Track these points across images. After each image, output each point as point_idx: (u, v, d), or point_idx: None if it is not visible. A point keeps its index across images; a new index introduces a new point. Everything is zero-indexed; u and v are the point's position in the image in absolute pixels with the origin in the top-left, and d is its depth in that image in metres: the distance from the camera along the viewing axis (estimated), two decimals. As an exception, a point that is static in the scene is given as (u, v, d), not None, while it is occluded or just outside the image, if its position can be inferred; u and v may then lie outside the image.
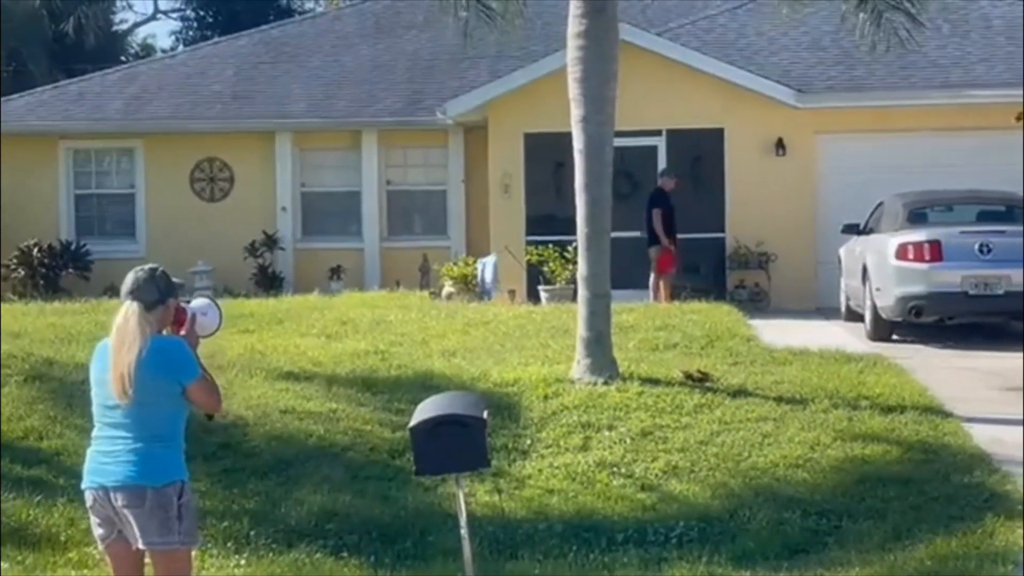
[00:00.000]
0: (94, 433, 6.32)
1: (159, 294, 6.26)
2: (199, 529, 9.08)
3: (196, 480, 10.03)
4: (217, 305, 6.57)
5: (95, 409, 6.31)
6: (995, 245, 16.65)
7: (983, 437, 11.33)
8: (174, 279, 6.39)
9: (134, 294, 6.23)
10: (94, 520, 6.30)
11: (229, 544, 9.12)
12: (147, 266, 6.38)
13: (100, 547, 6.39)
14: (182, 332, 6.34)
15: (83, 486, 6.30)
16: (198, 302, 6.51)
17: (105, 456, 6.22)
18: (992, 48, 23.75)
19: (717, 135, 22.44)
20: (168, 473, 6.17)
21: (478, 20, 15.43)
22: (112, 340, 6.19)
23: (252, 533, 9.29)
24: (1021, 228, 17.16)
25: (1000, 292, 16.47)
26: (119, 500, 6.14)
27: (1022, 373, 13.53)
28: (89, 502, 6.29)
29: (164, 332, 6.28)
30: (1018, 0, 26.08)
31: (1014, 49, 23.60)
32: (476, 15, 15.36)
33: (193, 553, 8.50)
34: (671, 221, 20.15)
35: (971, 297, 16.54)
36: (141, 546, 6.16)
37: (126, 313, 6.19)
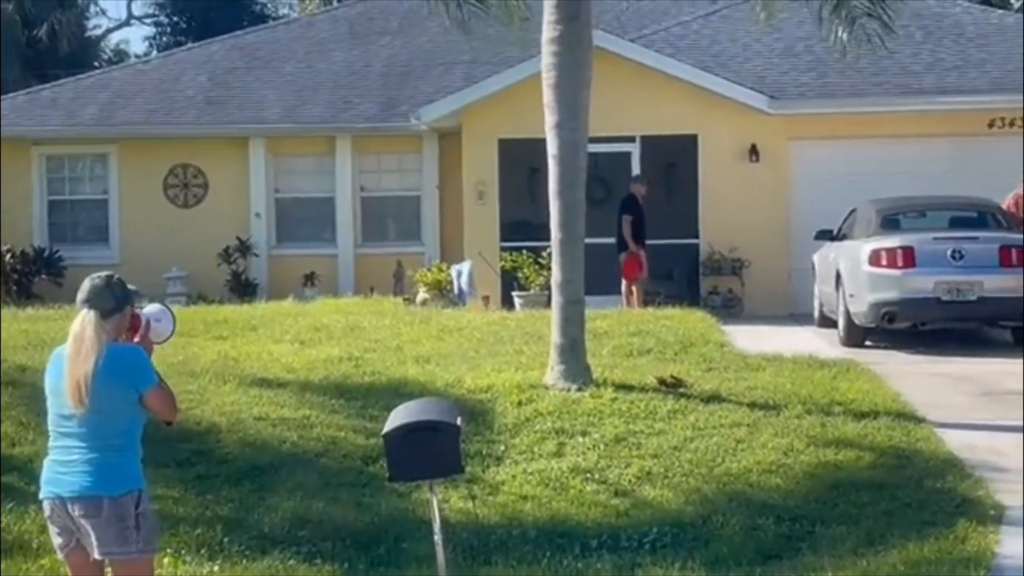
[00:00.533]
0: (50, 443, 6.30)
1: (115, 302, 6.22)
2: (170, 534, 9.10)
3: (169, 487, 10.06)
4: (170, 311, 6.54)
5: (50, 419, 6.28)
6: (967, 251, 16.71)
7: (955, 443, 11.37)
8: (130, 286, 6.36)
9: (90, 302, 6.19)
10: (53, 529, 6.29)
11: (202, 551, 9.09)
12: (103, 273, 6.34)
13: (60, 556, 6.37)
14: (136, 339, 6.31)
15: (40, 496, 6.28)
16: (151, 308, 6.48)
17: (61, 466, 6.20)
18: (964, 55, 23.88)
19: (691, 141, 22.50)
20: (125, 482, 6.15)
21: (471, 16, 15.38)
22: (68, 349, 6.16)
23: (225, 540, 9.25)
24: (993, 234, 17.27)
25: (972, 298, 16.53)
26: (76, 510, 6.13)
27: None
28: (47, 512, 6.28)
29: (120, 339, 6.25)
30: (991, 8, 26.27)
31: (986, 56, 23.76)
32: (469, 12, 15.31)
33: (165, 559, 8.50)
34: (641, 227, 20.15)
35: (944, 303, 16.59)
36: (99, 556, 6.13)
37: (83, 321, 6.16)
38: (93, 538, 6.11)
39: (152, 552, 6.33)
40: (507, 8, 15.56)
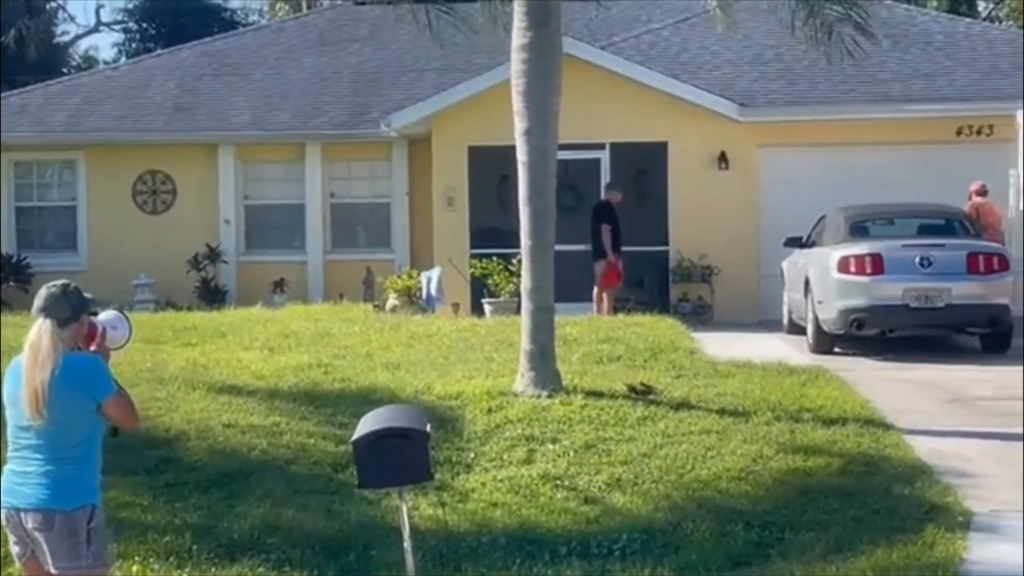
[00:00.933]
0: (8, 452, 6.27)
1: (72, 310, 6.19)
2: (138, 542, 9.05)
3: (138, 494, 10.02)
4: (126, 317, 6.51)
5: (9, 430, 6.25)
6: (935, 258, 16.80)
7: (923, 449, 11.42)
8: (86, 294, 6.32)
9: (47, 311, 6.16)
10: (11, 538, 6.30)
11: (171, 558, 9.05)
12: (59, 282, 6.31)
13: (18, 564, 6.37)
14: (93, 347, 6.28)
15: None
16: (106, 315, 6.45)
17: (18, 477, 6.18)
18: (932, 63, 24.02)
19: (661, 148, 22.54)
20: (78, 497, 6.13)
21: (441, 22, 15.39)
22: (25, 358, 6.13)
23: (194, 547, 9.21)
24: (961, 241, 17.37)
25: (940, 305, 16.61)
26: (29, 523, 6.13)
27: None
28: (3, 521, 6.29)
29: (77, 348, 6.22)
30: (958, 17, 26.40)
31: (953, 64, 23.90)
32: (438, 18, 15.33)
33: (133, 567, 8.46)
34: (617, 235, 20.19)
35: (912, 310, 16.67)
36: (53, 571, 6.12)
37: (39, 330, 6.14)
38: (46, 551, 6.12)
39: (103, 567, 6.31)
40: (491, 13, 15.53)
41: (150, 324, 17.13)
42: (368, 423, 7.42)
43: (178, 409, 11.99)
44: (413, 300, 20.85)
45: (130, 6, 47.93)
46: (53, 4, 47.44)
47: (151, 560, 8.96)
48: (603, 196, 21.13)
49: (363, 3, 30.61)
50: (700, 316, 21.39)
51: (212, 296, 23.64)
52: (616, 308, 19.91)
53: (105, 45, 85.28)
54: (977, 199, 19.47)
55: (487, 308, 20.66)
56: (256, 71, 26.99)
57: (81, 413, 6.12)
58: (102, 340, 6.30)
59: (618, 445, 11.37)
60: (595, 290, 20.20)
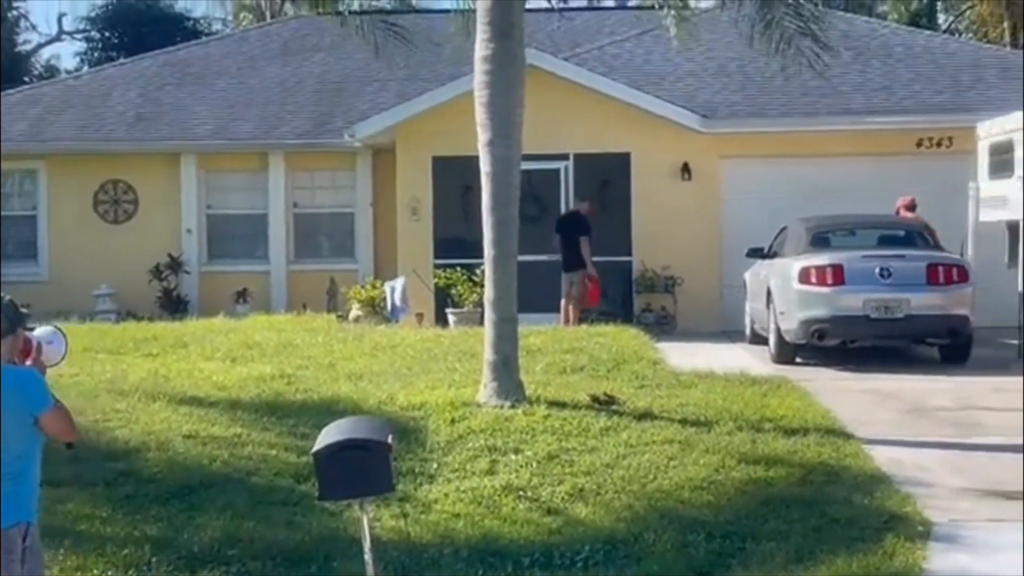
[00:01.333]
0: None
1: (8, 323, 6.15)
2: (96, 554, 9.01)
3: (97, 506, 9.96)
4: (62, 333, 6.48)
5: None
6: (895, 269, 16.90)
7: (883, 459, 11.47)
8: (22, 309, 6.28)
9: None
10: None
11: (131, 572, 9.00)
12: None
13: None
14: (28, 362, 6.24)
15: None
16: (42, 331, 6.42)
17: None
18: (892, 75, 24.18)
19: (624, 159, 22.60)
20: (13, 515, 6.05)
21: (386, 39, 15.43)
22: None
23: (154, 560, 9.16)
24: (921, 252, 17.47)
25: (900, 316, 16.70)
26: None
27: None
28: None
29: (14, 362, 6.18)
30: (919, 30, 26.56)
31: (913, 76, 24.07)
32: (384, 35, 15.37)
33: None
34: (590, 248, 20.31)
35: (872, 320, 16.75)
36: None
37: None
38: None
39: None
40: (464, 22, 15.55)
41: (111, 334, 17.07)
42: (329, 434, 7.40)
43: (138, 420, 11.93)
44: (377, 310, 20.83)
45: (92, 15, 47.73)
46: (15, 13, 47.19)
47: (110, 573, 8.91)
48: (573, 206, 21.20)
49: (320, 14, 30.54)
50: (663, 326, 21.45)
51: (174, 306, 23.56)
52: (580, 319, 19.95)
53: (67, 54, 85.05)
54: (907, 214, 19.60)
55: (451, 318, 20.67)
56: (219, 80, 26.93)
57: (18, 427, 6.06)
58: (38, 355, 6.26)
59: (581, 456, 11.38)
60: (563, 302, 20.23)
